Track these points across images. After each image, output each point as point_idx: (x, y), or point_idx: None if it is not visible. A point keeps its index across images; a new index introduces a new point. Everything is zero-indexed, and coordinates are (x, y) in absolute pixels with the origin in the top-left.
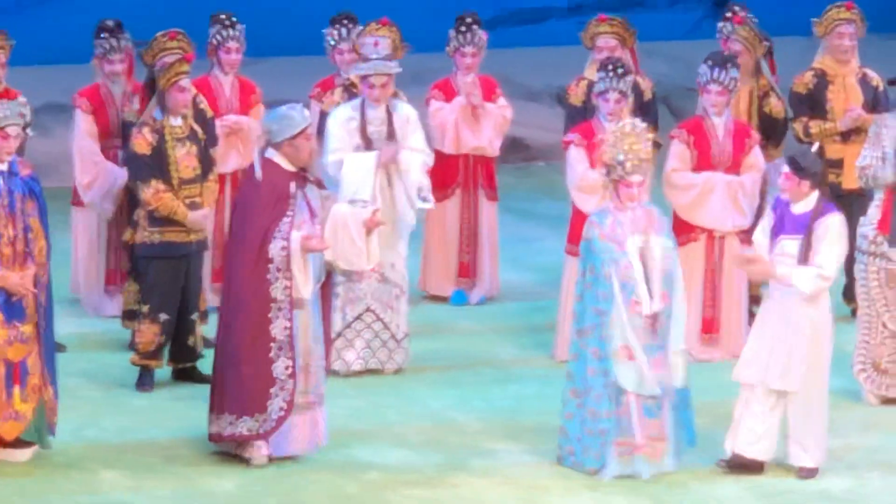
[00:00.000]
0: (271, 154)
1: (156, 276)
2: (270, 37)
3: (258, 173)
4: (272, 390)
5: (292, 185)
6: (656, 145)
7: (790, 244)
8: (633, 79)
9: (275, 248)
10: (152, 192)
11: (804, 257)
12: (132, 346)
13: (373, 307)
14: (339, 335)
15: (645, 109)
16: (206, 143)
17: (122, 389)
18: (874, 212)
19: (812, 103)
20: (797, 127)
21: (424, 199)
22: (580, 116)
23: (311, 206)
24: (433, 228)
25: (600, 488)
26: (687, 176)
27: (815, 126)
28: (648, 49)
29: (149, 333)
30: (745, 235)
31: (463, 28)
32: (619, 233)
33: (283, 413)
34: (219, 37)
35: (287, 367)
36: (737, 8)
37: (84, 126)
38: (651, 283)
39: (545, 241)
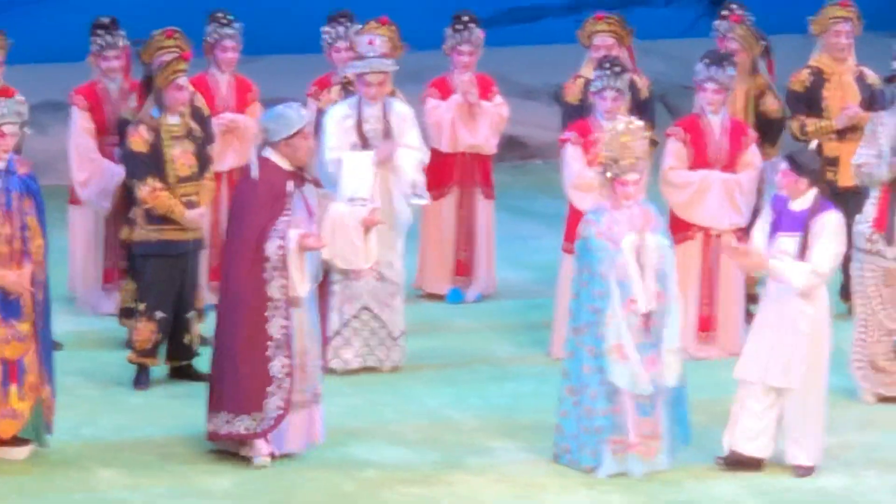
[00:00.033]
0: (268, 153)
1: (153, 275)
2: (267, 35)
3: (255, 172)
4: (269, 389)
5: (289, 185)
6: (653, 143)
7: (788, 242)
8: (630, 77)
9: (271, 247)
10: (149, 191)
11: (802, 255)
12: (129, 344)
13: (369, 305)
14: (336, 333)
15: (642, 107)
16: (203, 142)
17: (118, 387)
18: (870, 210)
19: (808, 101)
20: (794, 125)
21: (419, 196)
22: (577, 114)
23: (308, 205)
24: (430, 226)
25: (596, 486)
26: (684, 174)
27: (811, 124)
28: (645, 47)
29: (145, 331)
30: (742, 233)
31: (460, 26)
32: (615, 231)
33: (280, 412)
34: (215, 35)
35: (284, 366)
36: (734, 6)
37: (80, 123)
38: (645, 281)
39: (542, 239)
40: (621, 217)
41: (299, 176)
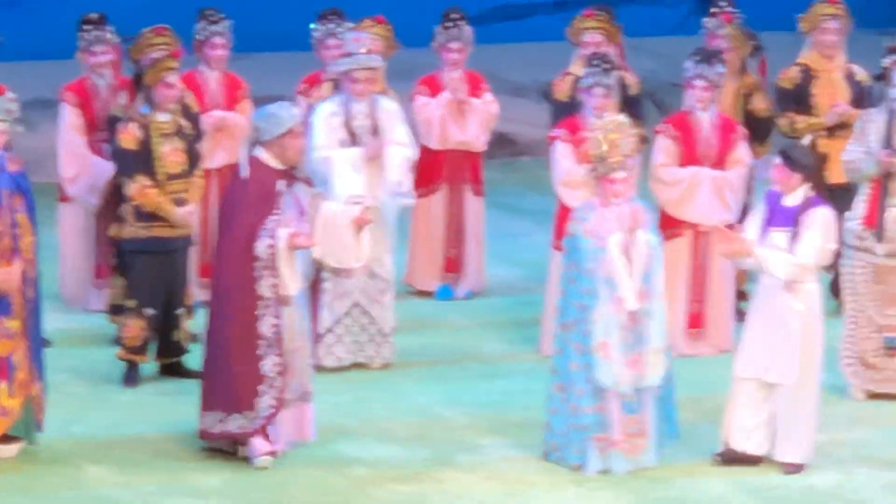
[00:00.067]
0: (259, 152)
1: (142, 271)
2: (257, 32)
3: (245, 171)
4: (260, 388)
5: (280, 184)
6: (643, 140)
7: (779, 236)
8: (620, 74)
9: (261, 246)
10: (137, 188)
11: (792, 250)
12: (118, 341)
13: (360, 302)
14: (329, 331)
15: (631, 104)
16: (193, 139)
17: (108, 385)
18: (860, 206)
19: (798, 98)
20: (783, 122)
21: (403, 195)
22: (566, 112)
23: (299, 203)
24: (419, 223)
25: (586, 483)
26: (673, 171)
27: (801, 121)
28: (635, 45)
29: (135, 328)
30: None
31: (449, 23)
32: (603, 228)
33: (272, 410)
34: (205, 32)
35: (276, 365)
36: (723, 4)
37: (69, 119)
38: (633, 279)
39: (531, 236)
40: (610, 215)
41: (290, 175)
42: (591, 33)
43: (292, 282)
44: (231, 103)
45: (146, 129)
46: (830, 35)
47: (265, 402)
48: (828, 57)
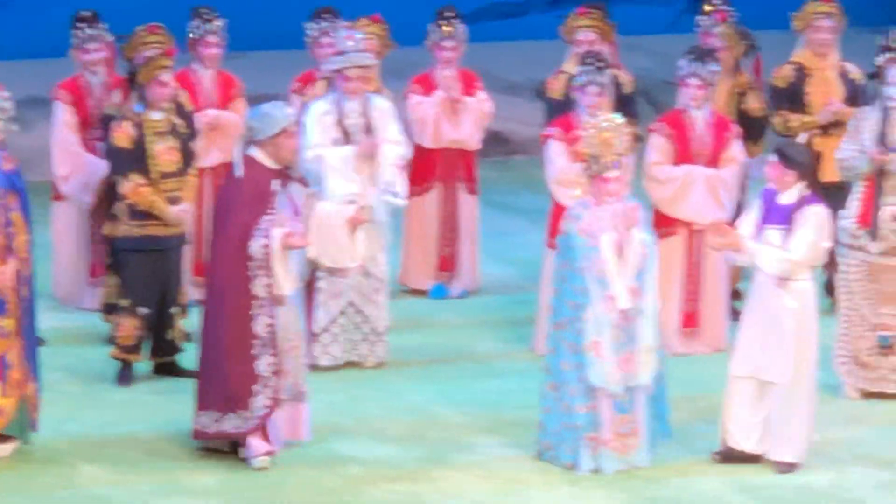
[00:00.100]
0: (253, 152)
1: (136, 270)
2: (251, 31)
3: (239, 171)
4: (255, 387)
5: (274, 183)
6: (637, 139)
7: (774, 234)
8: (613, 72)
9: (256, 246)
10: (131, 186)
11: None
12: (112, 340)
13: (354, 301)
14: (324, 330)
15: (625, 103)
16: (187, 138)
17: (102, 384)
18: (854, 205)
19: (791, 97)
20: (777, 121)
21: (394, 195)
22: (560, 110)
23: (294, 203)
24: (413, 222)
25: (579, 483)
26: (667, 169)
27: (794, 120)
28: (629, 43)
29: (128, 327)
30: None
31: (443, 22)
32: (596, 227)
33: (267, 410)
34: (199, 31)
35: (270, 364)
36: (717, 1)
37: (63, 117)
38: (625, 278)
39: (525, 234)
40: (603, 213)
41: (285, 174)
42: (585, 31)
43: (286, 282)
44: (225, 102)
45: (140, 128)
46: (824, 33)
47: (260, 401)
48: (821, 55)
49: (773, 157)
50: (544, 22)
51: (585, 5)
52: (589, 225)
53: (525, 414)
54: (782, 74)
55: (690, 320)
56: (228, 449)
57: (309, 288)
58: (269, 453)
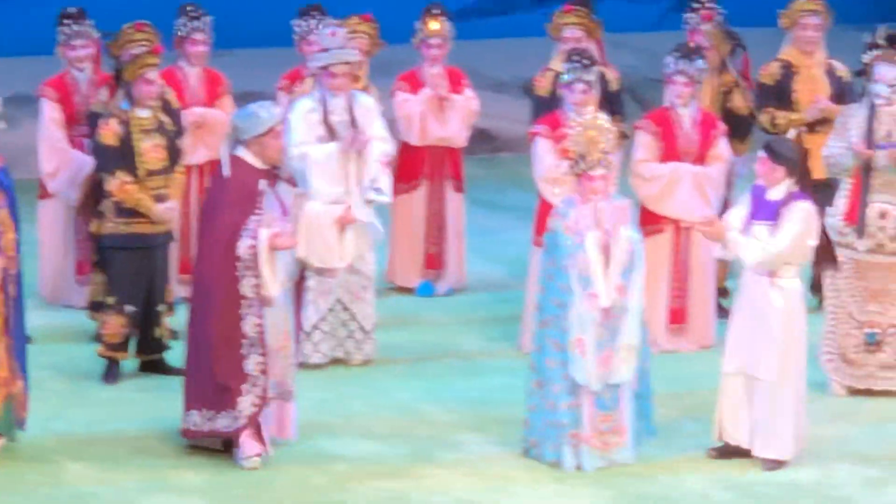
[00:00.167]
0: (240, 151)
1: (122, 268)
2: (238, 28)
3: (225, 170)
4: (244, 386)
5: (262, 183)
6: (623, 136)
7: (761, 230)
8: (600, 70)
9: (243, 246)
10: (118, 184)
11: None
12: (98, 337)
13: (341, 298)
14: (315, 328)
15: (611, 100)
16: (174, 135)
17: (88, 381)
18: (841, 202)
19: (778, 94)
20: (764, 118)
21: (378, 192)
22: (547, 108)
23: (282, 203)
24: (400, 220)
25: (566, 480)
26: (654, 167)
27: (781, 117)
28: (615, 41)
29: (115, 325)
30: None
31: (429, 19)
32: (582, 225)
33: (255, 409)
34: (185, 28)
35: (259, 364)
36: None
37: (50, 114)
38: (610, 276)
39: (512, 232)
40: (589, 211)
41: (273, 174)
42: (571, 29)
43: (274, 282)
44: (211, 99)
45: (126, 125)
46: (811, 31)
47: (248, 400)
48: (808, 53)
49: (762, 153)
50: (531, 19)
51: (572, 3)
52: (575, 223)
53: (511, 411)
54: (769, 72)
55: (677, 317)
56: (221, 448)
57: (298, 287)
58: (260, 454)
